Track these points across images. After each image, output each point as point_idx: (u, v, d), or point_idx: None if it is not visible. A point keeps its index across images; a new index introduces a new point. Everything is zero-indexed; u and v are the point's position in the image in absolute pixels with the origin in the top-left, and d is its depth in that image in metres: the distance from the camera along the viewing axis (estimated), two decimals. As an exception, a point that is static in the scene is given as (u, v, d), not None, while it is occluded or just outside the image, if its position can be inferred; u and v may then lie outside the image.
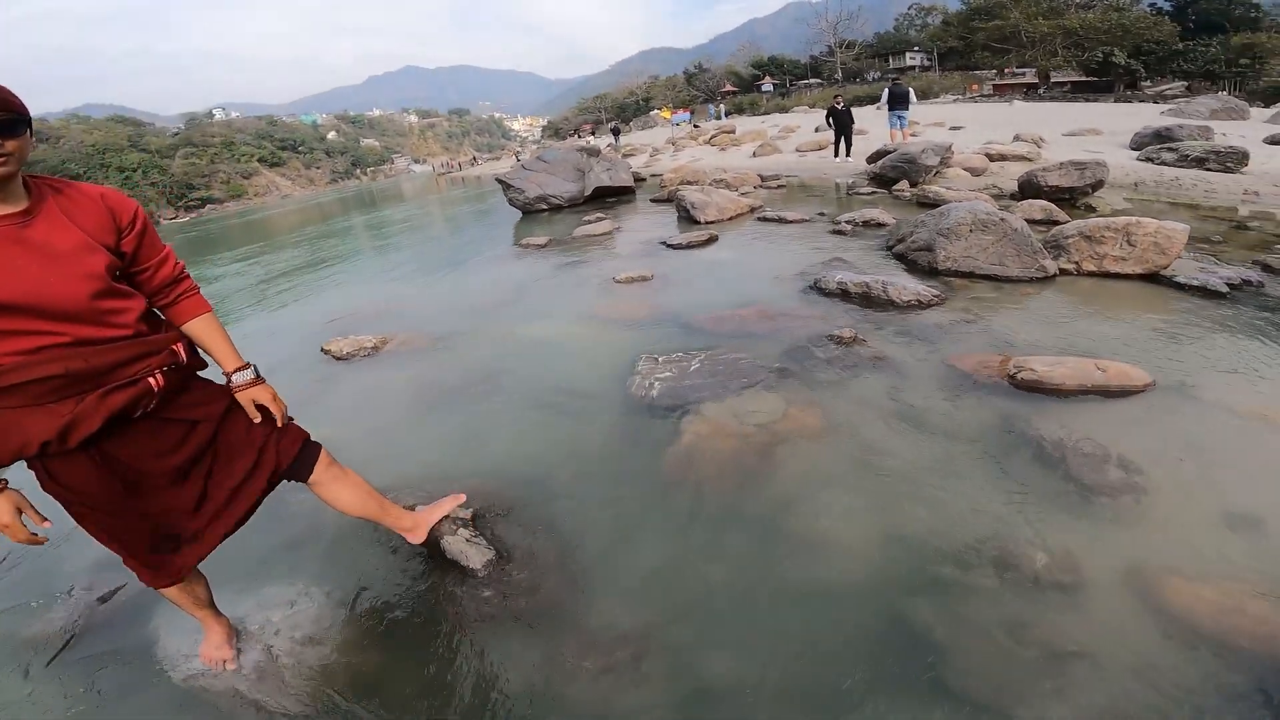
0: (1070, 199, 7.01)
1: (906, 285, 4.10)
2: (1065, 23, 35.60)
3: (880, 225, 6.44)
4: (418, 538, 2.09)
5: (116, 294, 1.38)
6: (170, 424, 1.51)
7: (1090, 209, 6.74)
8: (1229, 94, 22.73)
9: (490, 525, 2.26)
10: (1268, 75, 27.85)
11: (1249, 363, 2.89)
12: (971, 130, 15.98)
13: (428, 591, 2.01)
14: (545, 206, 11.33)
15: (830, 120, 13.16)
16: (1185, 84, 29.44)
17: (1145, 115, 15.55)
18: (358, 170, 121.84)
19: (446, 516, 2.19)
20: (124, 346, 1.38)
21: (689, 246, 6.51)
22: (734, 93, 56.57)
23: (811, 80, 56.48)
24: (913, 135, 14.04)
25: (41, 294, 1.25)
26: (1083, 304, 3.84)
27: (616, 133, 31.29)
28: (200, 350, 1.61)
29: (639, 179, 14.28)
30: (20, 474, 1.43)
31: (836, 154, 13.37)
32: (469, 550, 2.08)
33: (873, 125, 17.77)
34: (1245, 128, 13.19)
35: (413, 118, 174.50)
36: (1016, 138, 12.38)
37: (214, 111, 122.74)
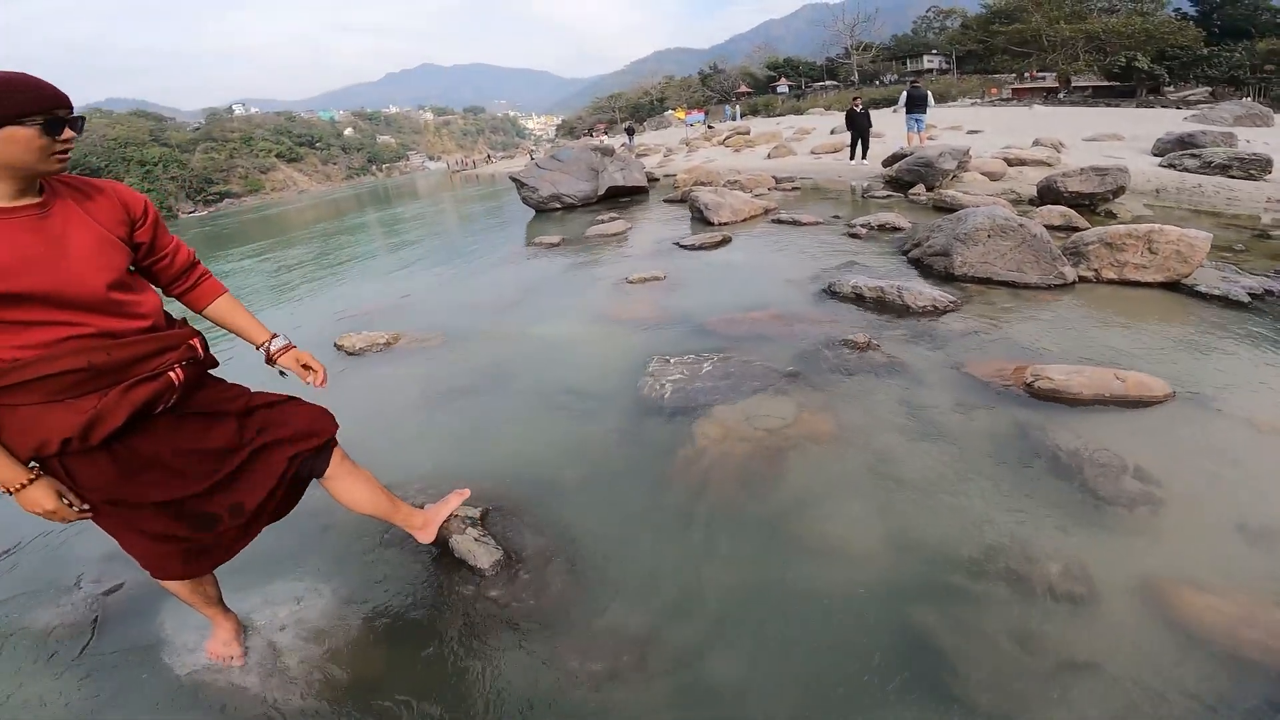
0: (1090, 205, 6.92)
1: (922, 290, 4.07)
2: (1088, 27, 35.20)
3: (896, 229, 6.39)
4: (427, 536, 2.08)
5: (133, 288, 1.39)
6: (190, 418, 1.50)
7: (1111, 215, 6.65)
8: (1253, 100, 22.34)
9: (498, 525, 2.26)
10: (1294, 81, 27.39)
11: (1270, 375, 2.84)
12: (990, 134, 15.82)
13: (435, 590, 2.01)
14: (558, 205, 11.35)
15: (848, 122, 13.08)
16: (1209, 89, 28.99)
17: (1168, 121, 15.33)
18: (373, 167, 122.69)
19: (455, 515, 2.18)
20: (144, 340, 1.37)
21: (702, 248, 6.50)
22: (749, 94, 56.41)
23: (827, 82, 56.20)
24: (930, 139, 13.93)
25: (62, 284, 1.24)
26: (1102, 312, 3.78)
27: (631, 133, 31.27)
28: (229, 329, 1.65)
29: (652, 179, 14.27)
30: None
31: (852, 156, 13.29)
32: (477, 550, 2.08)
33: (889, 128, 17.63)
34: (1269, 134, 12.96)
35: (428, 115, 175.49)
36: (1036, 142, 12.25)
37: (234, 107, 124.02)
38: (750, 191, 9.87)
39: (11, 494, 1.30)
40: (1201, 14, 36.08)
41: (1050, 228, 5.66)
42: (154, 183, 79.66)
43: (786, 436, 2.63)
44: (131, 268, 1.42)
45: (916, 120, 13.11)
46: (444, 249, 9.85)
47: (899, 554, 1.94)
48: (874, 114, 14.72)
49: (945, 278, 4.61)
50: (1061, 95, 33.29)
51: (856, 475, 2.35)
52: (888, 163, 10.78)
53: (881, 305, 4.11)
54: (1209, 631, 1.59)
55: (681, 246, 6.63)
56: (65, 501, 1.35)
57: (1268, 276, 4.17)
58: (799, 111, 41.64)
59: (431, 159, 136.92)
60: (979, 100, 36.11)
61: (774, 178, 11.65)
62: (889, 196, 8.97)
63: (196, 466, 1.50)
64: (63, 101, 1.25)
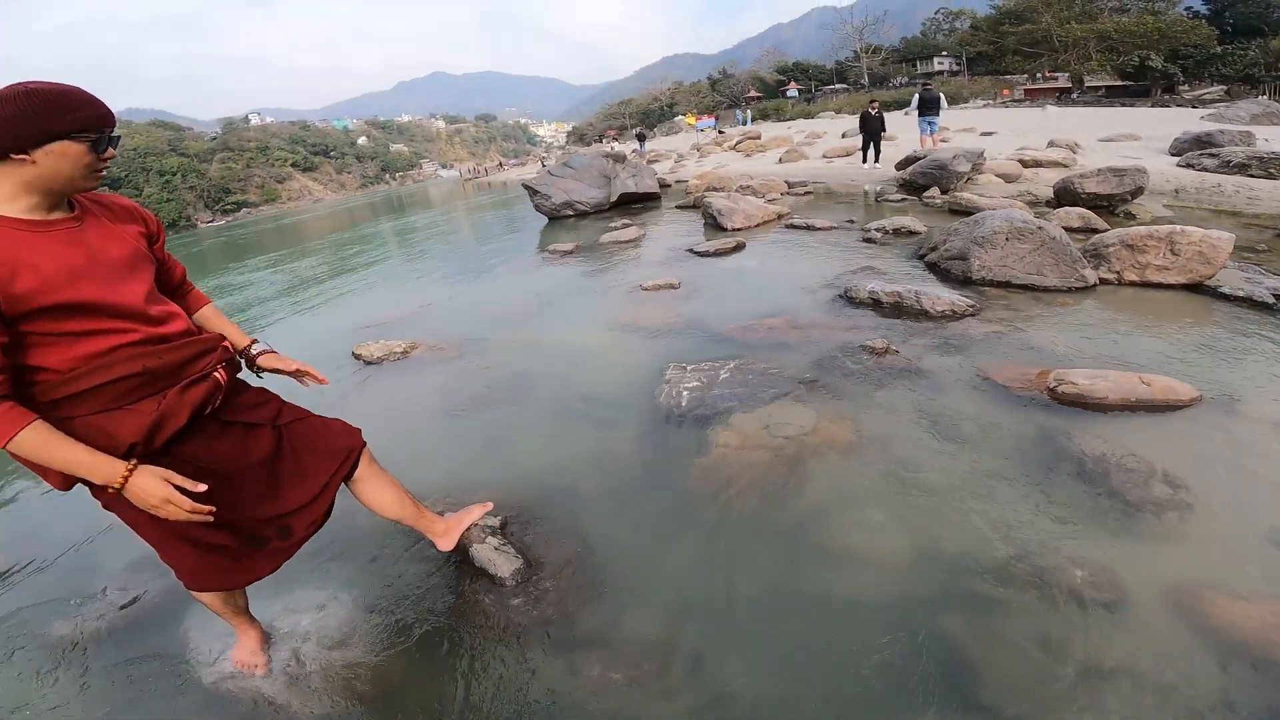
0: (1109, 206, 6.85)
1: (940, 295, 4.04)
2: (1099, 26, 34.93)
3: (911, 233, 6.36)
4: (448, 544, 2.09)
5: (161, 297, 1.43)
6: (231, 427, 1.52)
7: (1130, 216, 6.58)
8: (1269, 98, 22.04)
9: (518, 533, 2.26)
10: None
11: (1301, 378, 2.79)
12: (1003, 136, 15.71)
13: (455, 599, 2.02)
14: (571, 213, 11.40)
15: (862, 125, 13.03)
16: (1224, 88, 28.64)
17: (1184, 120, 15.16)
18: (387, 175, 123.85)
19: (475, 524, 2.19)
20: (189, 344, 1.41)
21: (716, 254, 6.49)
22: (759, 98, 56.45)
23: (837, 85, 56.17)
24: (943, 141, 13.86)
25: (106, 294, 1.26)
26: (1124, 315, 3.74)
27: (642, 139, 31.29)
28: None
29: (664, 185, 14.31)
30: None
31: (865, 160, 13.23)
32: (497, 559, 2.08)
33: (902, 130, 17.57)
34: (1290, 133, 12.76)
35: (440, 123, 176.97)
36: (1051, 143, 12.14)
37: (250, 116, 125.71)
38: (763, 196, 9.86)
39: (121, 490, 1.27)
40: (1214, 12, 35.72)
41: (1069, 230, 5.60)
42: (173, 193, 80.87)
43: (805, 444, 2.62)
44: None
45: (929, 123, 13.04)
46: (458, 257, 9.93)
47: (922, 561, 1.92)
48: (886, 117, 14.66)
49: (963, 282, 4.58)
50: (1075, 95, 33.03)
51: (877, 482, 2.33)
52: (901, 166, 10.72)
53: (899, 310, 4.09)
54: (1240, 638, 1.56)
55: (695, 253, 6.63)
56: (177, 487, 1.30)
57: (1293, 277, 4.11)
58: (809, 115, 41.66)
59: (444, 167, 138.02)
60: (991, 102, 35.89)
61: (786, 182, 11.62)
62: (903, 200, 8.93)
63: (244, 475, 1.53)
64: (111, 120, 1.28)
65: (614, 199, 11.53)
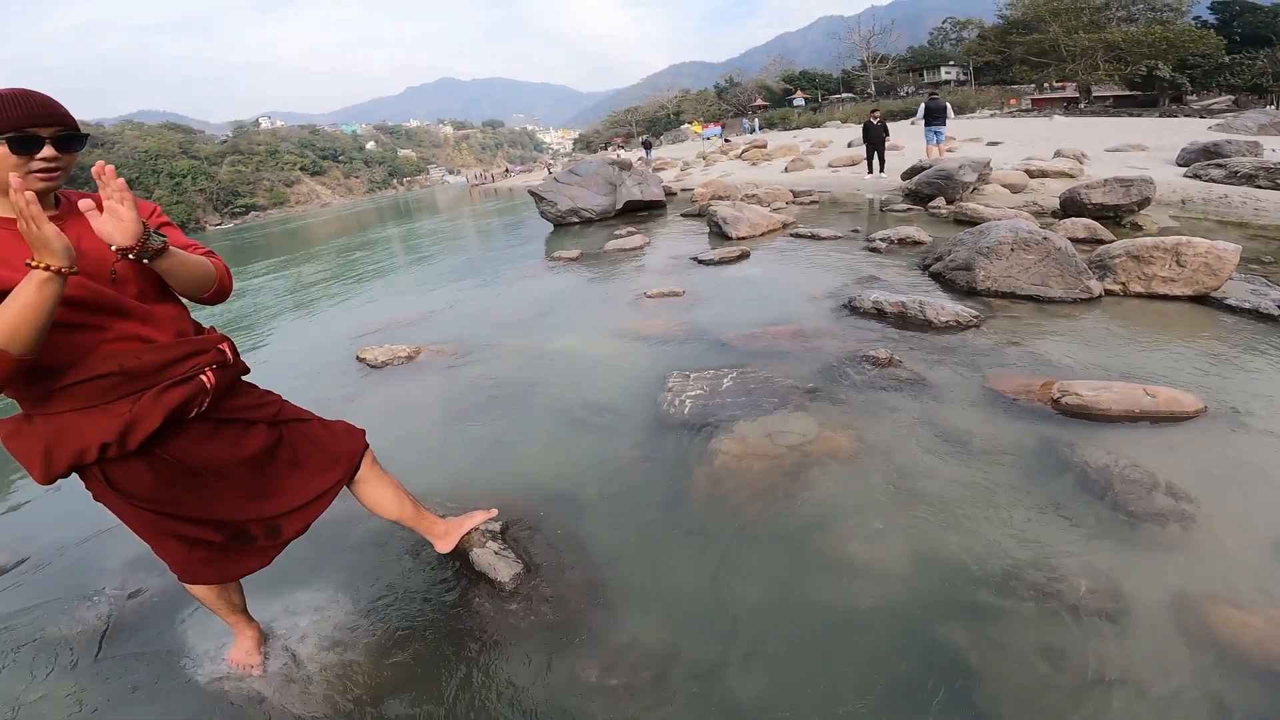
0: (1115, 217, 6.83)
1: (944, 305, 4.03)
2: (1107, 36, 34.91)
3: (916, 243, 6.36)
4: (446, 546, 2.11)
5: (155, 295, 1.40)
6: (225, 424, 1.53)
7: (1136, 227, 6.56)
8: (1277, 108, 21.97)
9: (519, 538, 2.26)
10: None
11: (1307, 390, 2.78)
12: (1010, 146, 15.71)
13: (455, 602, 2.03)
14: (576, 219, 11.44)
15: (865, 135, 13.05)
16: (1232, 98, 28.58)
17: (1191, 130, 15.12)
18: (394, 180, 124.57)
19: (476, 528, 2.20)
20: (175, 345, 1.40)
21: (720, 262, 6.51)
22: (765, 107, 56.57)
23: (844, 94, 56.25)
24: (949, 151, 13.86)
25: (81, 289, 1.24)
26: (1129, 326, 3.73)
27: (648, 146, 31.43)
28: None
29: (670, 193, 14.34)
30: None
31: (870, 170, 13.24)
32: (497, 563, 2.09)
33: (907, 140, 17.57)
34: (1298, 144, 12.71)
35: (448, 129, 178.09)
36: (1058, 153, 12.12)
37: (260, 120, 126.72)
38: (768, 205, 9.87)
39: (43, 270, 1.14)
40: (1221, 22, 35.66)
41: (1074, 240, 5.59)
42: (183, 195, 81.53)
43: (808, 453, 2.61)
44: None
45: (936, 132, 13.04)
46: (464, 263, 9.97)
47: (924, 570, 1.92)
48: (892, 126, 14.66)
49: (968, 292, 4.57)
50: (1082, 105, 33.00)
51: (880, 492, 2.32)
52: (906, 175, 10.72)
53: (903, 320, 4.08)
54: (1244, 648, 1.55)
55: (700, 261, 6.64)
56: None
57: (1300, 289, 4.09)
58: (816, 124, 41.69)
59: (451, 172, 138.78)
60: (998, 111, 35.88)
61: (792, 191, 11.64)
62: (908, 210, 8.92)
63: (233, 474, 1.53)
64: (40, 118, 1.22)
65: (619, 206, 11.57)
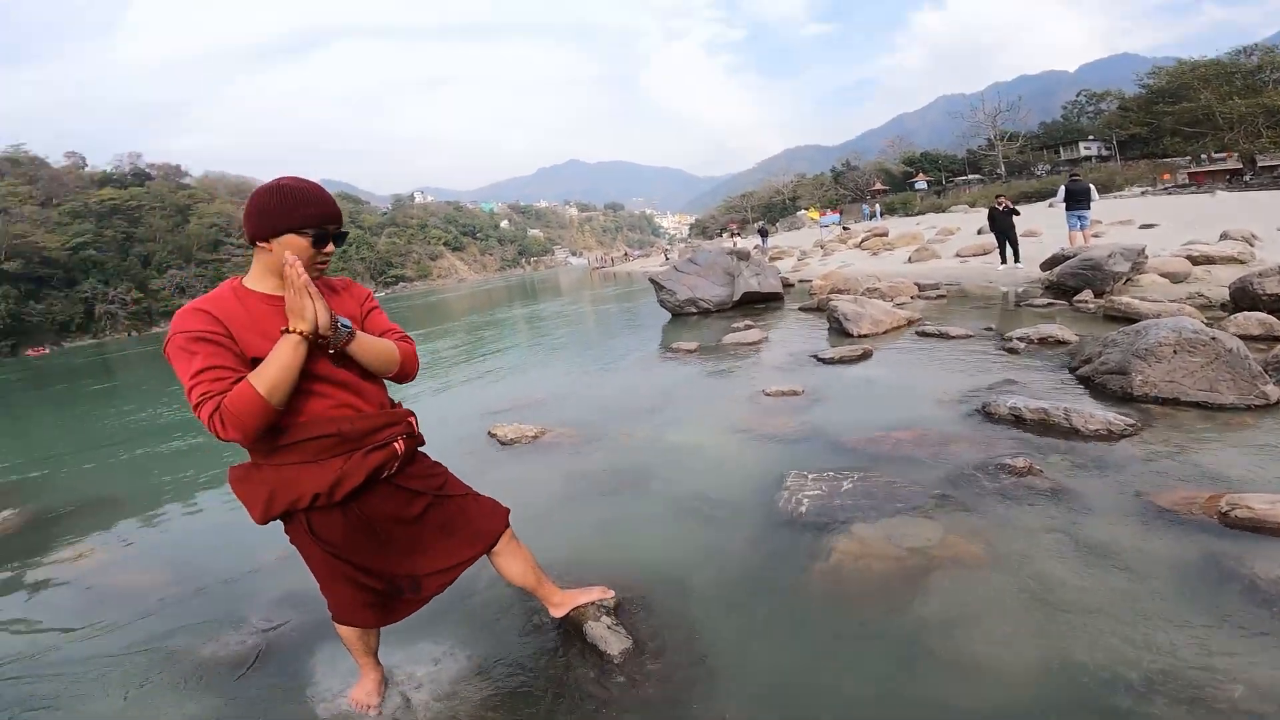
0: (1298, 313, 6.01)
1: (1094, 413, 3.69)
2: (1265, 101, 31.67)
3: (1060, 343, 5.91)
4: (559, 612, 2.24)
5: (362, 371, 1.63)
6: (401, 491, 1.74)
7: (1329, 328, 5.72)
8: None
9: (631, 616, 2.33)
10: None
11: None
12: (1167, 228, 14.39)
13: (563, 669, 2.10)
14: (695, 310, 11.69)
15: (991, 224, 12.46)
16: None
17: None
18: (523, 259, 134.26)
19: (592, 603, 2.30)
20: (378, 415, 1.64)
21: (841, 361, 6.39)
22: (884, 191, 55.83)
23: (970, 176, 54.50)
24: (1095, 237, 12.92)
25: (319, 364, 1.49)
26: (1320, 443, 3.23)
27: (764, 234, 31.69)
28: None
29: (787, 285, 14.29)
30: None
31: (1004, 260, 12.48)
32: (609, 637, 2.15)
33: (1046, 224, 16.58)
34: None
35: (574, 210, 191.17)
36: (1224, 235, 10.89)
37: (415, 194, 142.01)
38: (891, 300, 9.62)
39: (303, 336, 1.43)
40: None
41: (1247, 338, 4.96)
42: (347, 263, 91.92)
43: (931, 556, 2.48)
44: None
45: (1079, 217, 12.23)
46: (586, 349, 10.47)
47: (1053, 676, 1.77)
48: (1029, 209, 13.84)
49: (1121, 398, 4.15)
50: (1247, 178, 29.71)
51: (1010, 597, 2.17)
52: (1046, 265, 10.06)
53: (1045, 428, 3.76)
54: None
55: (820, 359, 6.56)
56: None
57: None
58: (940, 209, 40.41)
59: (574, 254, 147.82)
60: (1150, 188, 33.12)
61: (916, 284, 11.23)
62: (1050, 305, 8.32)
63: (397, 532, 1.74)
64: (335, 219, 1.51)
65: (737, 298, 11.69)
